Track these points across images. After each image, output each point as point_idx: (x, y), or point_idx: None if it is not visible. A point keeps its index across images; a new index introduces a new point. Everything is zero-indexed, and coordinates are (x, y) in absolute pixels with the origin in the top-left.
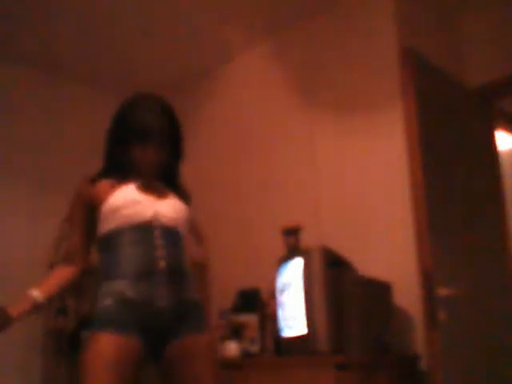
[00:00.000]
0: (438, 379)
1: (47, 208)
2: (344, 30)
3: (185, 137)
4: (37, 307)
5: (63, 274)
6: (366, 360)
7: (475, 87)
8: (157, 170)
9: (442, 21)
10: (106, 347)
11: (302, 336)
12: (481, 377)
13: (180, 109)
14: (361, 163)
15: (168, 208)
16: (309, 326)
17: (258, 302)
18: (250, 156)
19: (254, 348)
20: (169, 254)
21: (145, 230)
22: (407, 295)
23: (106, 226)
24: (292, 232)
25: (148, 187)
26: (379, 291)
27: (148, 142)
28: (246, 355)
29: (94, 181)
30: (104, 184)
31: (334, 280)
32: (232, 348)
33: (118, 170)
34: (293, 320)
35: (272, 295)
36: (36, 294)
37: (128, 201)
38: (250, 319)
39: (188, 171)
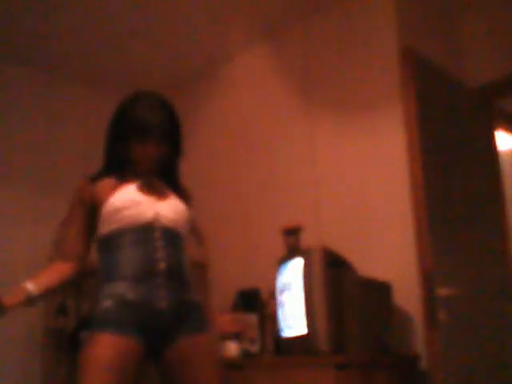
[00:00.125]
0: (438, 379)
1: (47, 208)
2: (344, 30)
3: (185, 134)
4: (30, 300)
5: (59, 270)
6: (366, 360)
7: (475, 87)
8: (156, 166)
9: (442, 21)
10: (105, 347)
11: (302, 336)
12: (481, 377)
13: (180, 109)
14: (361, 163)
15: (169, 209)
16: (309, 326)
17: (258, 302)
18: (250, 156)
19: (254, 348)
20: (169, 256)
21: (145, 231)
22: (407, 295)
23: (106, 226)
24: (292, 232)
25: (149, 187)
26: (379, 291)
27: (148, 139)
28: (246, 355)
29: (94, 180)
30: (105, 184)
31: (334, 280)
32: (232, 348)
33: (118, 167)
34: (293, 320)
35: (272, 295)
36: (30, 286)
37: (129, 202)
38: (250, 319)
39: (188, 171)
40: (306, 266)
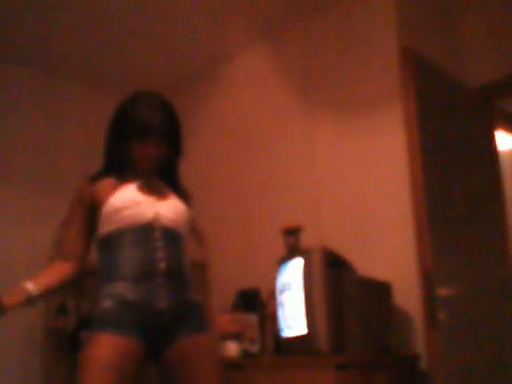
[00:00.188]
0: (438, 379)
1: (47, 208)
2: (344, 30)
3: (185, 134)
4: (30, 300)
5: (59, 270)
6: (366, 360)
7: (475, 87)
8: (156, 166)
9: (442, 21)
10: (105, 347)
11: (302, 336)
12: (481, 377)
13: (180, 109)
14: (361, 163)
15: (168, 209)
16: (309, 326)
17: (258, 302)
18: (250, 156)
19: (254, 348)
20: (169, 256)
21: (145, 231)
22: (407, 295)
23: (106, 226)
24: (292, 232)
25: (149, 187)
26: (379, 291)
27: (148, 138)
28: (246, 355)
29: (94, 180)
30: (105, 184)
31: (334, 280)
32: (232, 348)
33: (118, 167)
34: (293, 320)
35: (272, 295)
36: (30, 286)
37: (129, 202)
38: (250, 319)
39: (188, 171)
40: (306, 266)
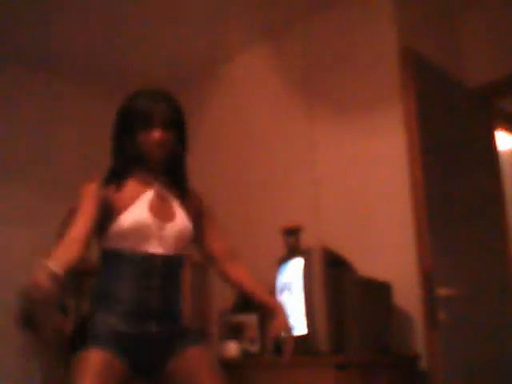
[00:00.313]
0: (438, 379)
1: (47, 209)
2: (344, 30)
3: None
4: (56, 279)
5: (70, 250)
6: (366, 360)
7: (475, 87)
8: (166, 157)
9: (442, 21)
10: (93, 360)
11: (302, 336)
12: (481, 377)
13: None
14: (361, 163)
15: (173, 231)
16: (309, 326)
17: None
18: (250, 156)
19: (254, 348)
20: (164, 295)
21: (145, 261)
22: (407, 295)
23: (111, 243)
24: (292, 232)
25: (159, 204)
26: (379, 291)
27: (152, 125)
28: (245, 355)
29: (108, 183)
30: (126, 191)
31: (334, 280)
32: (232, 348)
33: (127, 164)
34: (293, 320)
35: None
36: (52, 265)
37: (136, 225)
38: (250, 319)
39: (188, 171)
40: (305, 266)
